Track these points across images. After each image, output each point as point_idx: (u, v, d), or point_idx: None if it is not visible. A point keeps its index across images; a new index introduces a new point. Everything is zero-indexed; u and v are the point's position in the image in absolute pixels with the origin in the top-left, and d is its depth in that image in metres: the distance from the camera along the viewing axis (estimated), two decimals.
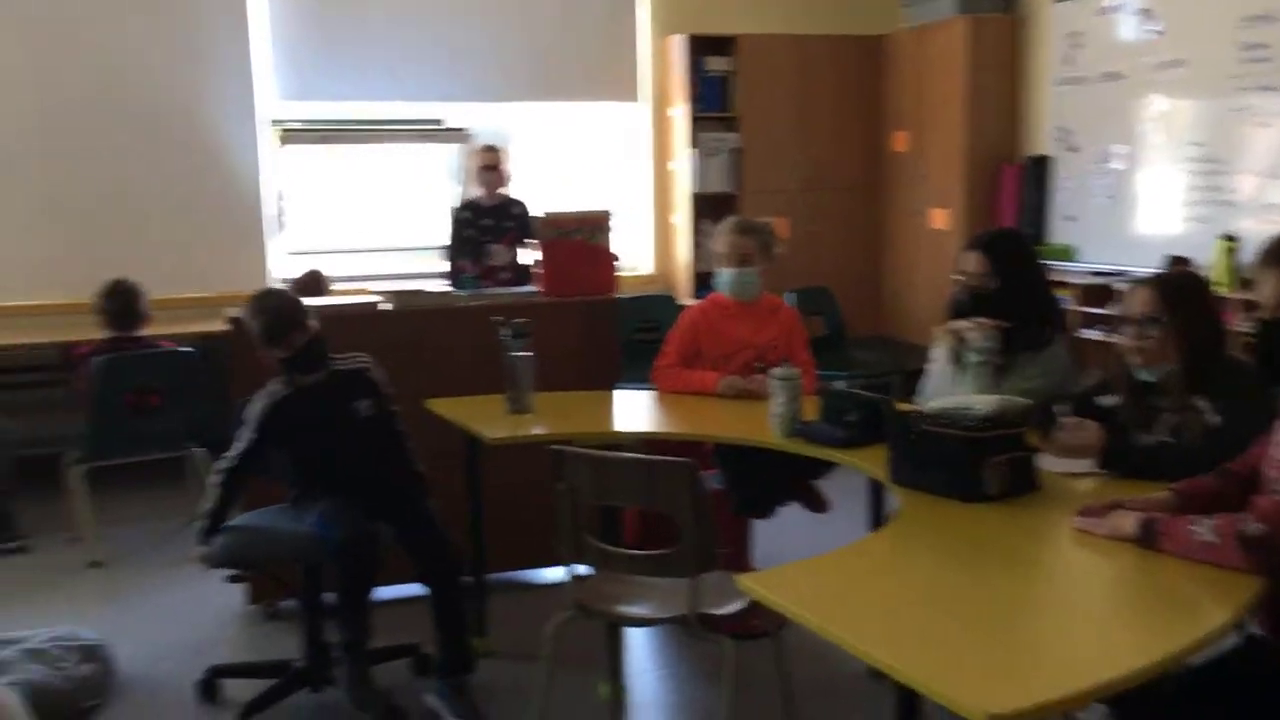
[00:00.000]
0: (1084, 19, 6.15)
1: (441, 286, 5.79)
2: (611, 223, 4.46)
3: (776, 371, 3.17)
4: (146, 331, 5.10)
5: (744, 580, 2.09)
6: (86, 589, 4.54)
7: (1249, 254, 5.10)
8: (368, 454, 3.42)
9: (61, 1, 6.10)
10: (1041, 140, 6.55)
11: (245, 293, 6.04)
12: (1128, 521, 2.22)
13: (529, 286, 4.57)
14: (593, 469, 2.73)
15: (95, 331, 5.04)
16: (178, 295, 6.04)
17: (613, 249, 4.46)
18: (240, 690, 3.41)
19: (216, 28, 6.35)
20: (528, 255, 5.80)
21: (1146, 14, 5.75)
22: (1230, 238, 5.19)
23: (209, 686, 3.49)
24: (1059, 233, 6.38)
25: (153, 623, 4.13)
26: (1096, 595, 2.10)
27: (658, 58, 7.19)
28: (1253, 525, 2.05)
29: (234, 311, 4.07)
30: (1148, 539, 2.17)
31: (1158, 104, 5.74)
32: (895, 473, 2.66)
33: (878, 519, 3.47)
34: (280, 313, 3.32)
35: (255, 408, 3.34)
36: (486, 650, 3.71)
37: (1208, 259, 5.27)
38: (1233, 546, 2.04)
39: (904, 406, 3.02)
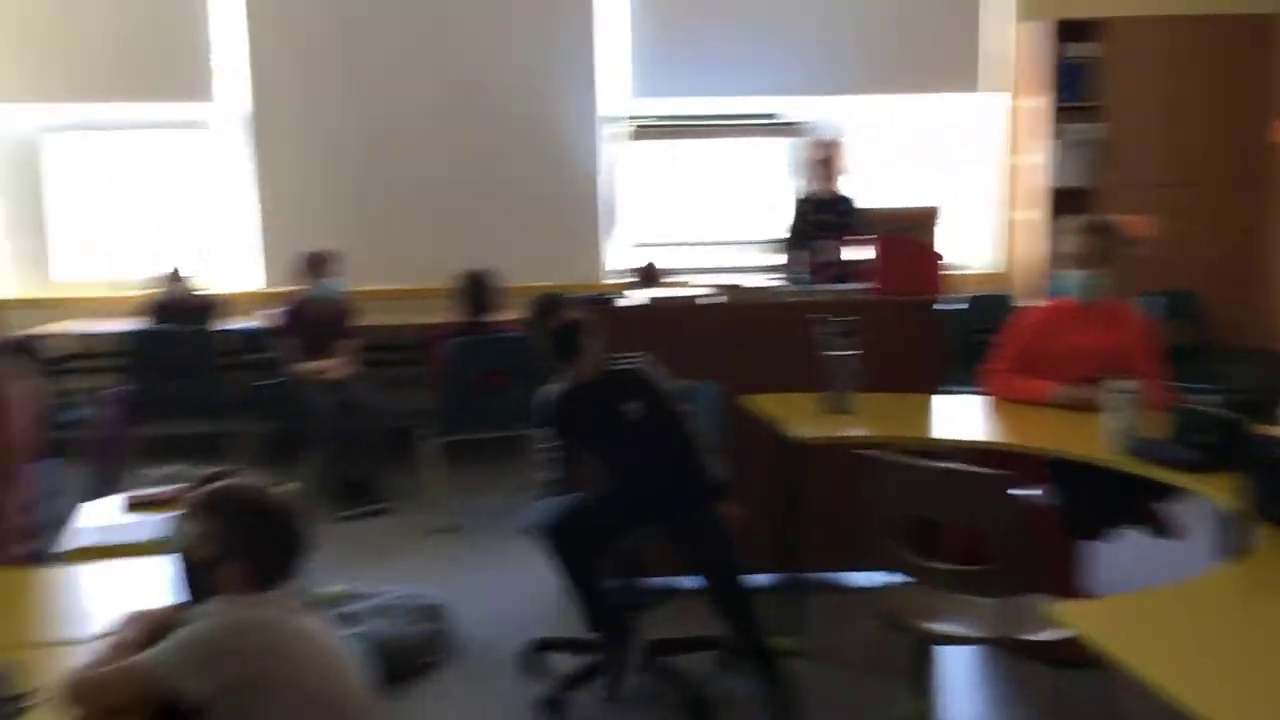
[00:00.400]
0: None
1: (772, 280, 5.81)
2: (938, 220, 4.28)
3: (1113, 383, 2.92)
4: (497, 317, 5.47)
5: (1059, 610, 1.94)
6: (434, 552, 4.93)
7: None
8: (638, 454, 3.41)
9: (423, 8, 6.66)
10: None
11: (588, 282, 6.55)
12: None
13: (857, 284, 4.47)
14: (900, 477, 2.63)
15: (451, 315, 5.46)
16: (526, 284, 6.41)
17: (939, 248, 4.29)
18: (560, 663, 3.59)
19: (567, 32, 6.73)
20: (850, 251, 5.73)
21: None
22: None
23: (533, 656, 3.69)
24: None
25: (488, 589, 4.42)
26: None
27: (1017, 45, 6.83)
28: None
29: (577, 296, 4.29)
30: None
31: None
32: (1261, 506, 2.37)
33: (1227, 548, 3.11)
34: (543, 300, 3.48)
35: (538, 401, 3.48)
36: (797, 649, 3.68)
37: None
38: None
39: (1267, 429, 2.69)
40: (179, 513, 2.13)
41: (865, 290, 4.29)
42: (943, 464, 2.62)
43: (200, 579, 2.05)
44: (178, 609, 2.10)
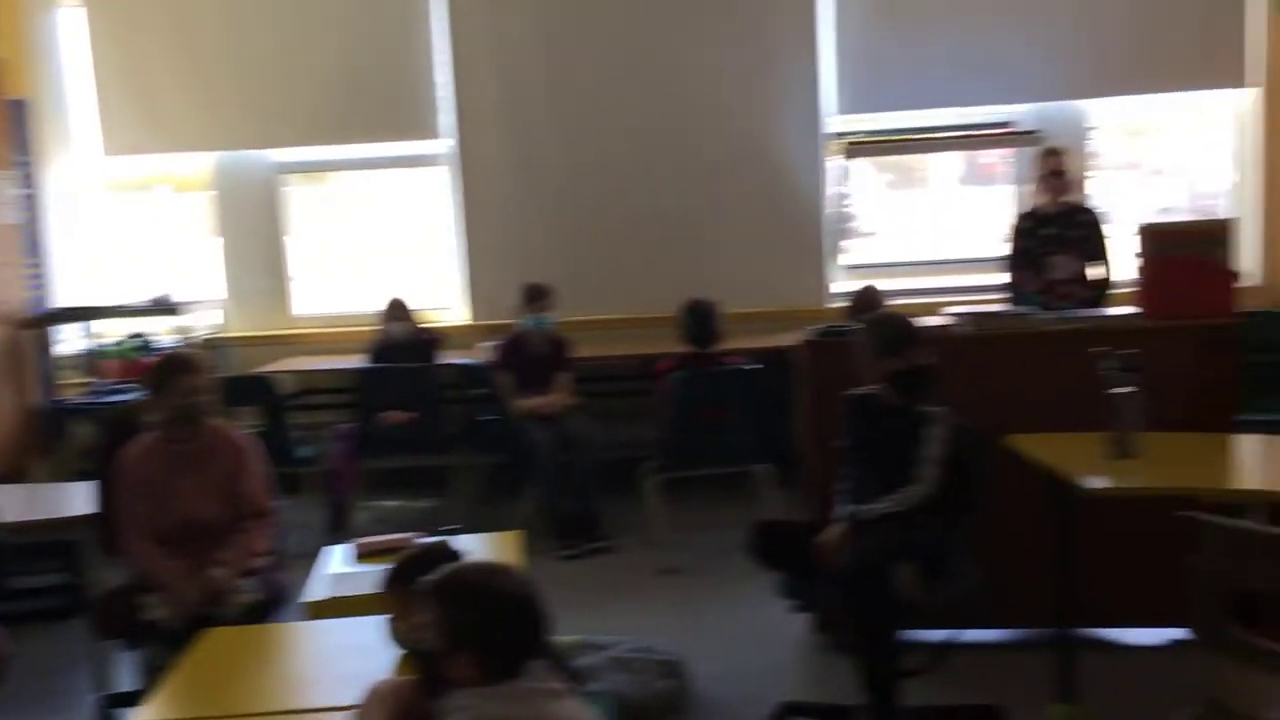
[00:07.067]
0: None
1: (1002, 300, 5.40)
2: (1229, 234, 3.81)
3: None
4: (721, 347, 5.26)
5: None
6: (660, 595, 4.73)
7: None
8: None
9: (640, 30, 6.51)
10: None
11: (810, 307, 6.26)
12: None
13: (1117, 308, 4.05)
14: (1237, 543, 2.24)
15: (673, 345, 5.28)
16: (746, 310, 6.21)
17: (1231, 265, 3.81)
18: None
19: (784, 47, 6.45)
20: (1100, 268, 5.25)
21: None
22: None
23: None
24: None
25: (722, 639, 4.17)
26: None
27: (1273, 36, 6.18)
28: None
29: (815, 326, 4.05)
30: None
31: None
32: None
33: None
34: (902, 327, 3.39)
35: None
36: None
37: None
38: None
39: None
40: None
41: (1139, 315, 3.86)
42: None
43: (435, 663, 1.93)
44: (418, 689, 2.03)
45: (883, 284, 6.14)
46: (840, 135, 6.57)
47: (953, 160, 6.80)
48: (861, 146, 6.59)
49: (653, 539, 5.18)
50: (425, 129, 6.66)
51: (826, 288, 6.63)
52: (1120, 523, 3.34)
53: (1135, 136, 6.66)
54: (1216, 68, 6.30)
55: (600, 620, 4.26)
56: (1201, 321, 3.71)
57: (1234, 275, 3.81)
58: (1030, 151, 6.24)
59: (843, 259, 6.72)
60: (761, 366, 5.07)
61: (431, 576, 1.99)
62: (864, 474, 3.36)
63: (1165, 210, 6.61)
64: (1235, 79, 6.29)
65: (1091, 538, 3.34)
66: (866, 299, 5.74)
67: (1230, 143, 6.46)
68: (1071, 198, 5.50)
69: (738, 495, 5.29)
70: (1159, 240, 3.80)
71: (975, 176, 6.77)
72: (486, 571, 2.04)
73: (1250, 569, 2.30)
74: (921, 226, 6.79)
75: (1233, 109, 6.39)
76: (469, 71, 6.58)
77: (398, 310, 6.06)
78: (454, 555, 2.37)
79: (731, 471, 5.16)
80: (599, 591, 4.79)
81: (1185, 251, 3.74)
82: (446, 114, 6.64)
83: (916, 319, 4.16)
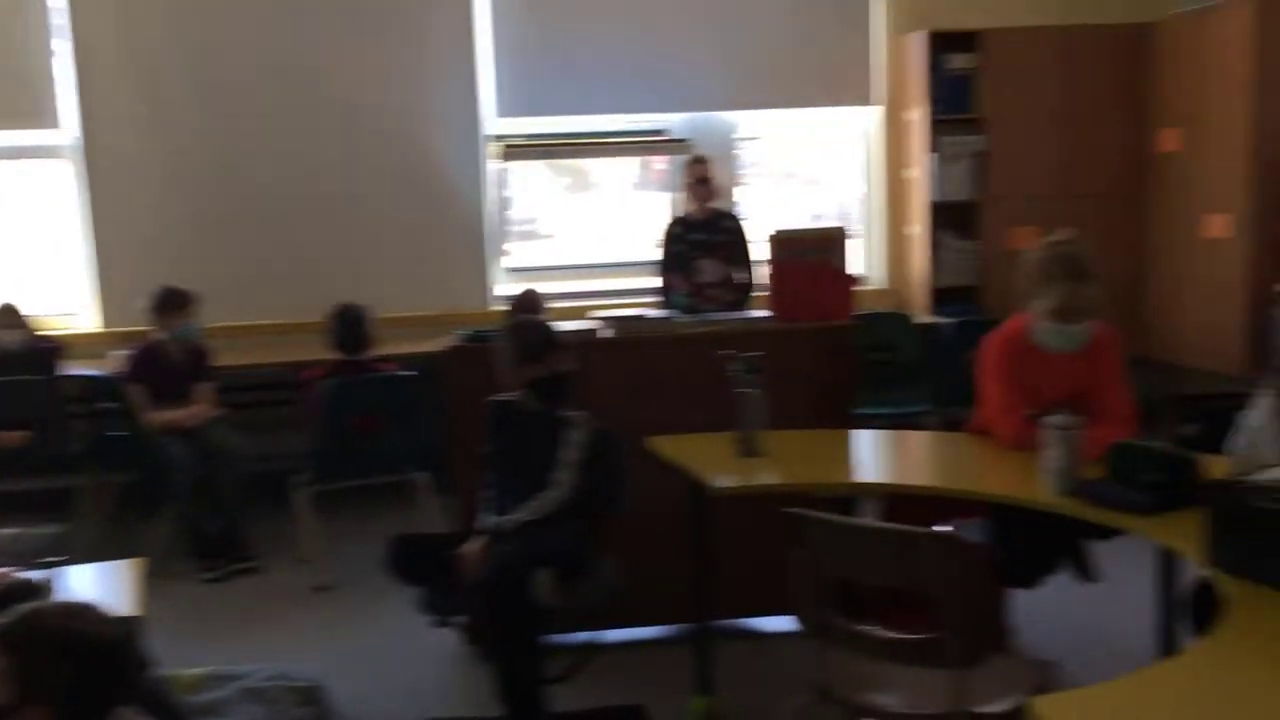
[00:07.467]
0: None
1: (653, 304, 5.57)
2: (846, 241, 4.08)
3: (1053, 419, 2.72)
4: (373, 353, 5.09)
5: (1038, 706, 1.69)
6: (308, 615, 4.50)
7: None
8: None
9: (293, 24, 6.19)
10: None
11: (469, 311, 6.18)
12: None
13: (755, 310, 4.25)
14: (836, 536, 2.37)
15: (323, 351, 5.06)
16: (404, 314, 6.04)
17: (849, 270, 4.08)
18: None
19: (443, 48, 6.33)
20: (746, 272, 5.52)
21: None
22: None
23: None
24: None
25: (371, 658, 4.02)
26: None
27: (893, 57, 6.72)
28: None
29: (462, 331, 3.97)
30: None
31: None
32: (1218, 555, 2.18)
33: (1169, 596, 2.95)
34: (542, 332, 3.36)
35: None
36: (713, 713, 3.40)
37: None
38: None
39: (1218, 467, 2.51)
40: None
41: (769, 319, 4.05)
42: (888, 525, 2.37)
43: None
44: None
45: (545, 287, 6.17)
46: (500, 138, 6.54)
47: (626, 166, 6.93)
48: (520, 150, 6.58)
49: (303, 555, 4.93)
50: (41, 117, 6.02)
51: (490, 290, 6.57)
52: (750, 517, 3.46)
53: (783, 148, 7.03)
54: (847, 86, 6.77)
55: (241, 647, 4.01)
56: (822, 324, 3.93)
57: (851, 280, 4.07)
58: (680, 159, 6.48)
59: (506, 262, 6.69)
60: (415, 372, 4.94)
61: (2, 619, 1.76)
62: (506, 481, 3.33)
63: (817, 218, 7.03)
64: (862, 97, 6.78)
65: (726, 533, 3.46)
66: (526, 302, 5.74)
67: (860, 156, 6.97)
68: (718, 204, 5.74)
69: (394, 506, 5.12)
70: (784, 246, 4.00)
71: (647, 182, 6.93)
72: (66, 613, 1.82)
73: (850, 560, 2.42)
74: (588, 230, 6.88)
75: (861, 125, 6.89)
76: (91, 56, 5.99)
77: (9, 316, 5.44)
78: (33, 593, 2.11)
79: (387, 481, 5.00)
80: (242, 615, 4.51)
81: (807, 257, 3.96)
82: (68, 102, 6.04)
83: (567, 322, 4.20)
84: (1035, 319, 3.14)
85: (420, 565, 3.23)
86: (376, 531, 5.17)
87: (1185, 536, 2.34)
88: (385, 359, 5.15)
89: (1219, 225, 6.09)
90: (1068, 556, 3.25)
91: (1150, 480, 2.55)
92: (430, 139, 6.37)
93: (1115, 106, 6.59)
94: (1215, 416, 2.95)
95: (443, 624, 3.33)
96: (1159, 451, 2.60)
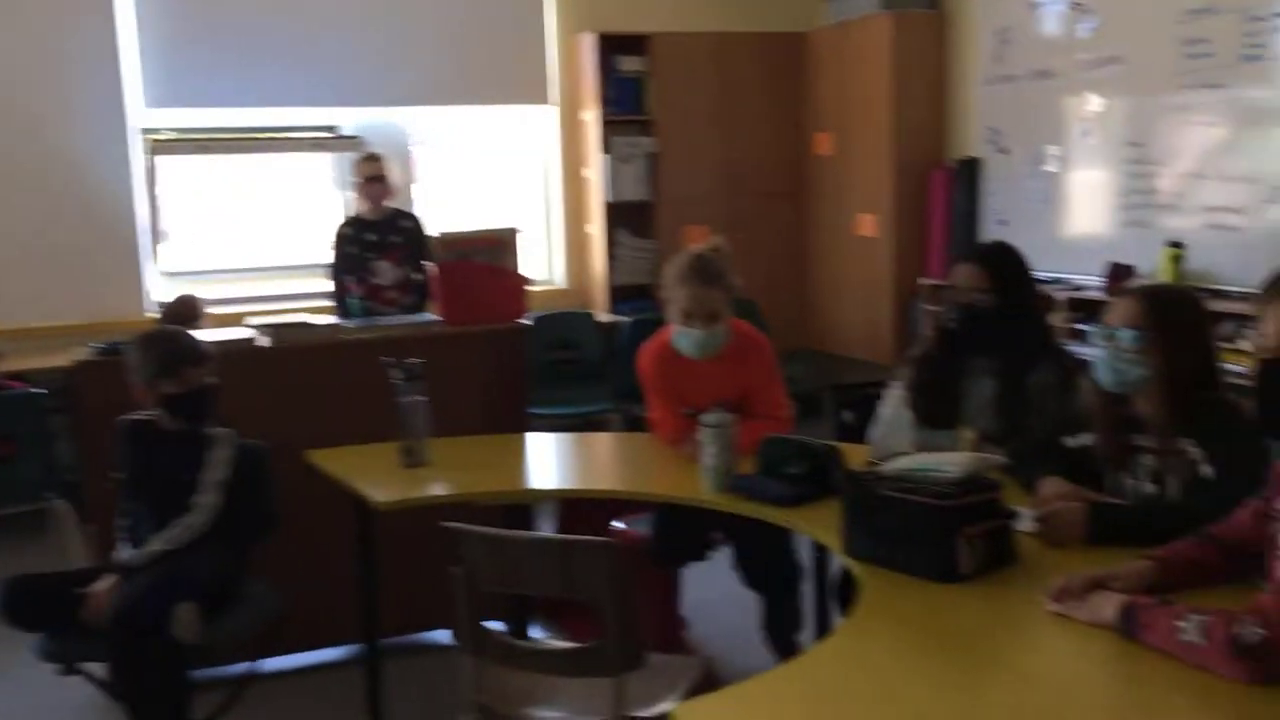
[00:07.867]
0: (1013, 14, 5.86)
1: (327, 308, 5.33)
2: (518, 241, 4.02)
3: (707, 417, 2.77)
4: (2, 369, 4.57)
5: (677, 711, 1.69)
6: None
7: (1195, 261, 4.88)
8: None
9: None
10: (971, 142, 6.26)
11: (121, 320, 5.66)
12: (1108, 608, 1.89)
13: (428, 314, 4.12)
14: (493, 550, 2.30)
15: None
16: (46, 324, 5.47)
17: (521, 271, 4.03)
18: None
19: (80, 32, 5.76)
20: (423, 274, 5.37)
21: (1079, 8, 5.47)
22: (1176, 244, 4.92)
23: None
24: (992, 238, 6.09)
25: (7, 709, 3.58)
26: (1083, 704, 1.74)
27: (566, 58, 6.76)
28: (1250, 629, 1.68)
29: (95, 344, 3.59)
30: (1128, 629, 1.85)
31: (1092, 103, 5.47)
32: (851, 544, 2.28)
33: (822, 578, 3.09)
34: (178, 345, 3.06)
35: None
36: None
37: (1151, 266, 5.01)
38: (1225, 654, 1.69)
39: (856, 459, 2.64)
40: None
41: (437, 322, 3.94)
42: (542, 535, 2.32)
43: None
44: None
45: (210, 291, 5.78)
46: (152, 132, 6.04)
47: (301, 164, 6.57)
48: (172, 144, 6.11)
49: None
50: None
51: (146, 296, 6.07)
52: (418, 529, 3.34)
53: (463, 147, 6.91)
54: (523, 85, 6.74)
55: None
56: (492, 326, 3.86)
57: (523, 280, 4.02)
58: (352, 157, 6.24)
59: (164, 265, 6.20)
60: (44, 392, 4.47)
61: None
62: (143, 509, 3.04)
63: (498, 218, 6.92)
64: (539, 96, 6.78)
65: (394, 547, 3.32)
66: (181, 308, 5.34)
67: (538, 156, 6.97)
68: (394, 204, 5.55)
69: (34, 537, 4.62)
70: (453, 248, 3.90)
71: (322, 181, 6.60)
72: None
73: (508, 573, 2.35)
74: (258, 231, 6.48)
75: (539, 124, 6.89)
76: None
77: None
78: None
79: (22, 511, 4.50)
80: None
81: (476, 258, 3.88)
82: None
83: (220, 331, 3.91)
84: (674, 325, 3.19)
85: (42, 608, 2.89)
86: (11, 567, 4.69)
87: (827, 527, 2.43)
88: (17, 376, 4.64)
89: (868, 225, 6.55)
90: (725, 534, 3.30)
91: (794, 473, 2.65)
92: (68, 132, 5.79)
93: (776, 111, 6.93)
94: (870, 404, 3.11)
95: (70, 671, 2.99)
96: (798, 444, 2.71)
